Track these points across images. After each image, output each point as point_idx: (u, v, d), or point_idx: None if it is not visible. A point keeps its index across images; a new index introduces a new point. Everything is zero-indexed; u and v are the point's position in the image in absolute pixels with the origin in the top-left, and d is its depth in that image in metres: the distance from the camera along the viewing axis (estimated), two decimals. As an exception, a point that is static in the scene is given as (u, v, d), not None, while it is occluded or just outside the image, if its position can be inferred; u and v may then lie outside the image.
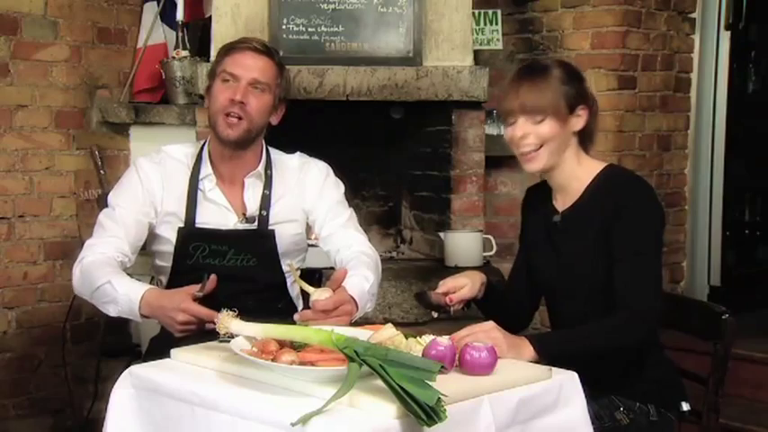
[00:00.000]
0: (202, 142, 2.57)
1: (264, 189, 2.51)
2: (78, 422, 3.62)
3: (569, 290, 2.25)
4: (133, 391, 1.90)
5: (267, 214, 2.49)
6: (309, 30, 3.35)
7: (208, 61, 3.32)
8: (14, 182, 3.46)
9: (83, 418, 3.62)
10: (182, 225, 2.47)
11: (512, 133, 2.21)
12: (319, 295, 2.14)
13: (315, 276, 3.14)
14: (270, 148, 2.58)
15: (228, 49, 2.47)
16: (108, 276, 2.30)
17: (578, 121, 2.22)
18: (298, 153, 2.62)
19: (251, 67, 2.42)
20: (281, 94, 2.51)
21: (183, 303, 2.17)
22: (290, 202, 2.54)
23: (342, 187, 2.63)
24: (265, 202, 2.50)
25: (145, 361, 2.14)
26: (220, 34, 3.32)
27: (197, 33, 3.68)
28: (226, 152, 2.48)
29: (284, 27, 3.32)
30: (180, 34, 3.61)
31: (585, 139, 2.27)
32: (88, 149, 3.67)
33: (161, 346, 2.13)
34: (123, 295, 2.26)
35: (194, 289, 2.21)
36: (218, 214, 2.48)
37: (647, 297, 2.11)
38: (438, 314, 2.33)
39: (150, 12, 3.77)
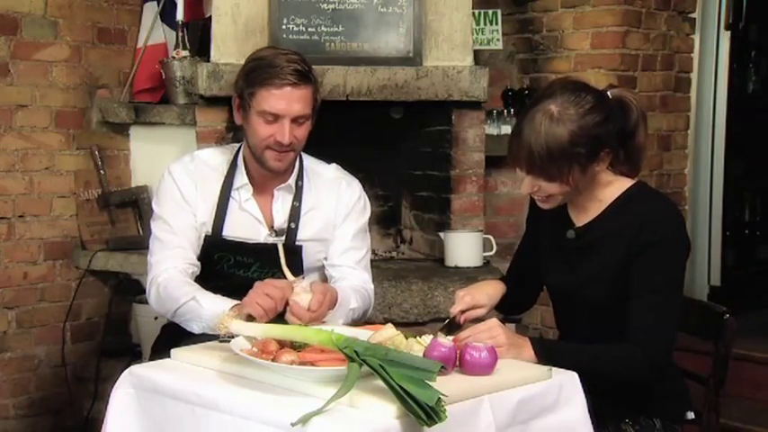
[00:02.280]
0: (236, 148, 2.51)
1: (294, 201, 2.47)
2: (78, 422, 3.63)
3: (578, 308, 2.19)
4: (133, 390, 1.90)
5: (296, 227, 2.46)
6: (309, 30, 3.34)
7: (208, 61, 3.32)
8: (14, 182, 3.46)
9: (83, 418, 3.62)
10: (209, 233, 2.43)
11: (521, 183, 2.12)
12: (301, 299, 2.10)
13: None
14: (305, 156, 2.53)
15: (264, 81, 2.32)
16: (192, 293, 2.26)
17: (600, 164, 2.06)
18: (334, 165, 2.58)
19: (292, 102, 2.32)
20: (318, 106, 2.43)
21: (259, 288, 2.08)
22: (321, 219, 2.50)
23: (368, 213, 2.59)
24: (294, 214, 2.46)
25: (152, 358, 2.13)
26: (220, 34, 3.31)
27: (197, 33, 3.67)
28: (264, 170, 2.43)
29: (284, 27, 3.32)
30: (180, 34, 3.60)
31: (623, 164, 2.14)
32: (88, 149, 3.67)
33: (166, 346, 2.12)
34: (209, 310, 2.20)
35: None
36: (249, 226, 2.45)
37: (661, 341, 2.02)
38: (451, 333, 2.20)
39: (150, 12, 3.77)
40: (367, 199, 2.60)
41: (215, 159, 2.49)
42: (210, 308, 2.20)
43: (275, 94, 2.31)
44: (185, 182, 2.43)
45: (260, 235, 2.45)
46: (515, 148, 2.05)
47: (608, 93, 2.12)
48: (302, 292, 2.11)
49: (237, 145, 2.53)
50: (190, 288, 2.29)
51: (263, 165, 2.39)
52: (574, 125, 2.00)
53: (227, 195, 2.44)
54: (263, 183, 2.46)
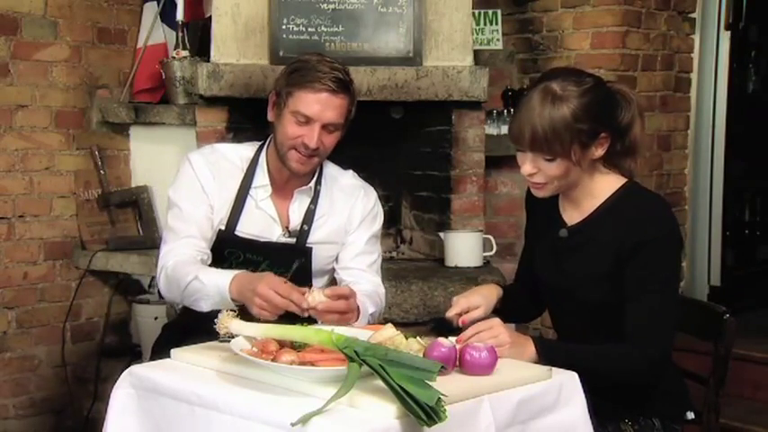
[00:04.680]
0: (259, 146, 2.51)
1: (311, 203, 2.48)
2: (78, 422, 3.63)
3: (571, 307, 2.19)
4: (133, 391, 1.90)
5: (309, 229, 2.47)
6: (309, 30, 3.34)
7: (208, 61, 3.32)
8: (14, 182, 3.46)
9: (83, 418, 3.62)
10: (222, 228, 2.44)
11: (520, 163, 2.11)
12: (315, 296, 2.08)
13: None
14: (324, 161, 2.53)
15: (303, 83, 2.34)
16: (194, 273, 2.25)
17: (598, 149, 2.08)
18: (351, 171, 2.60)
19: (326, 109, 2.33)
20: (351, 118, 2.44)
21: (258, 288, 2.06)
22: (334, 223, 2.51)
23: (381, 220, 2.60)
24: (309, 217, 2.47)
25: (152, 358, 2.13)
26: (220, 34, 3.32)
27: (197, 33, 3.67)
28: (286, 171, 2.44)
29: (284, 27, 3.32)
30: (180, 34, 3.60)
31: (622, 158, 2.15)
32: (88, 149, 3.67)
33: (166, 347, 2.12)
34: (212, 286, 2.19)
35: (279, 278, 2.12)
36: (264, 225, 2.45)
37: (660, 341, 2.03)
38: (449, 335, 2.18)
39: (150, 12, 3.77)
40: (381, 207, 2.62)
41: (235, 154, 2.50)
42: (213, 283, 2.19)
43: (312, 98, 2.32)
44: (204, 172, 2.44)
45: (273, 234, 2.46)
46: (518, 126, 2.06)
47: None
48: (316, 293, 2.09)
49: (259, 143, 2.53)
50: (192, 268, 2.28)
51: (285, 164, 2.40)
52: (576, 101, 2.03)
53: (245, 193, 2.45)
54: (284, 184, 2.47)
